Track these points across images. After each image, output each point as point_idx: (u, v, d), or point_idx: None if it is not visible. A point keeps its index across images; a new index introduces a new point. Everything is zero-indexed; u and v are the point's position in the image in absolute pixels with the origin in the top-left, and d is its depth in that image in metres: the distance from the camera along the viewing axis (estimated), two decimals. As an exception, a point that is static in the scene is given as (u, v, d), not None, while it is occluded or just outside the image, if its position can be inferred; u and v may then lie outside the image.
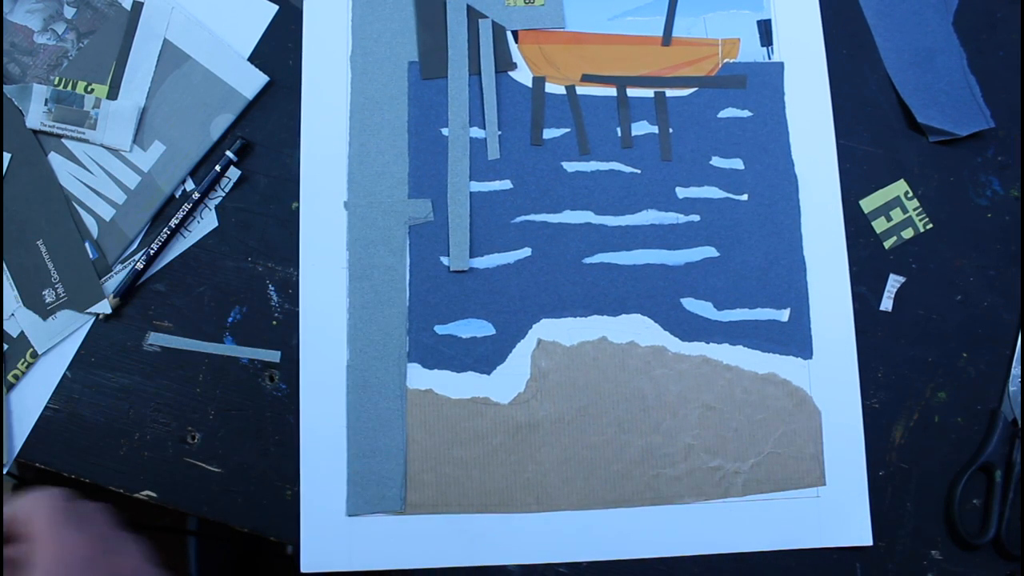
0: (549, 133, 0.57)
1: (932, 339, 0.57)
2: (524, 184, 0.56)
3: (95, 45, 0.56)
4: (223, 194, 0.56)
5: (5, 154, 0.55)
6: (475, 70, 0.57)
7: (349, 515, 0.53)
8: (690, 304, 0.56)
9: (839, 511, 0.54)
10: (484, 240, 0.56)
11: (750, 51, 0.59)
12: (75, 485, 0.56)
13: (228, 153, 0.55)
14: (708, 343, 0.55)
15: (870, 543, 0.54)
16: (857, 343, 0.56)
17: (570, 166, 0.57)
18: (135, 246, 0.55)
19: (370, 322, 0.54)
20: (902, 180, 0.58)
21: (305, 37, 0.57)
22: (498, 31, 0.58)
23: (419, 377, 0.54)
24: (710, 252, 0.56)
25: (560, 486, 0.53)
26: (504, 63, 0.58)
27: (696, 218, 0.57)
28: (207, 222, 0.56)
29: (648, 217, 0.57)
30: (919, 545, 0.55)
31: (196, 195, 0.55)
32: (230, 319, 0.55)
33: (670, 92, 0.58)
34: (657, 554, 0.53)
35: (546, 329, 0.55)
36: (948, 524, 0.55)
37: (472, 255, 0.55)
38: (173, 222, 0.55)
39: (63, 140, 0.56)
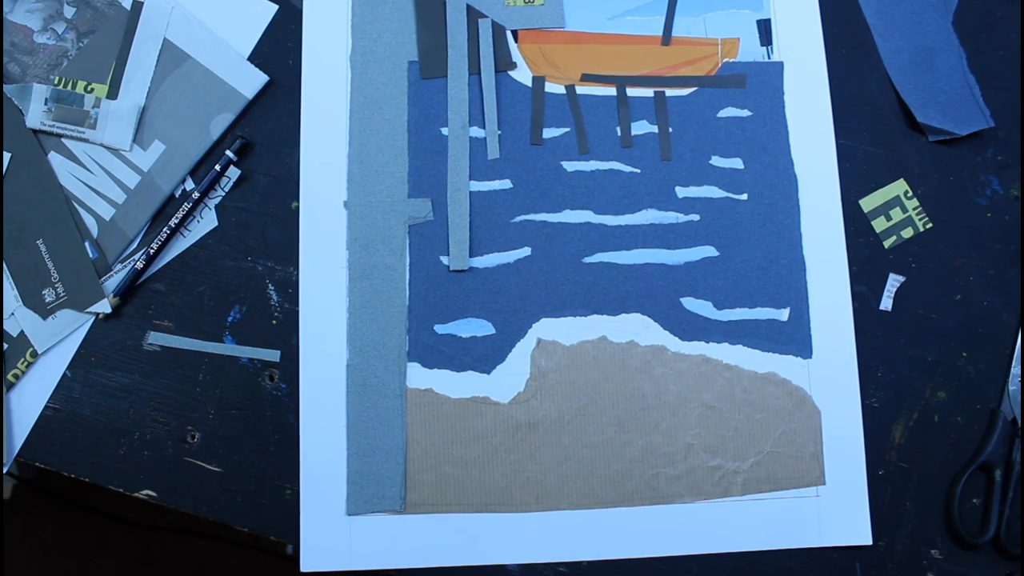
0: (549, 133, 0.57)
1: (932, 339, 0.57)
2: (524, 184, 0.56)
3: (95, 45, 0.56)
4: (223, 194, 0.56)
5: (5, 154, 0.55)
6: (475, 70, 0.57)
7: (349, 515, 0.53)
8: (690, 303, 0.56)
9: (839, 510, 0.54)
10: (484, 240, 0.56)
11: (750, 51, 0.59)
12: (75, 485, 0.56)
13: (228, 153, 0.55)
14: (708, 342, 0.55)
15: (870, 542, 0.54)
16: (857, 343, 0.56)
17: (570, 166, 0.57)
18: (135, 246, 0.55)
19: (370, 322, 0.54)
20: (902, 180, 0.58)
21: (305, 37, 0.57)
22: (498, 31, 0.58)
23: (419, 376, 0.54)
24: (710, 251, 0.56)
25: (560, 485, 0.53)
26: (504, 63, 0.58)
27: (696, 217, 0.57)
28: (207, 222, 0.56)
29: (648, 217, 0.57)
30: (919, 545, 0.55)
31: (196, 195, 0.55)
32: (230, 319, 0.55)
33: (670, 92, 0.58)
34: (657, 553, 0.53)
35: (546, 328, 0.55)
36: (948, 523, 0.55)
37: (472, 255, 0.55)
38: (173, 222, 0.55)
39: (63, 140, 0.56)
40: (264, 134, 0.57)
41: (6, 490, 1.25)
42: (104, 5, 0.57)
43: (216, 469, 0.54)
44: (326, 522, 0.52)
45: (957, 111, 0.59)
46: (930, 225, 0.58)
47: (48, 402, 0.54)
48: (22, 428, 0.54)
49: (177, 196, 0.56)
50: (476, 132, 0.57)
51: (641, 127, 0.58)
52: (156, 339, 0.55)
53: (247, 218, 0.56)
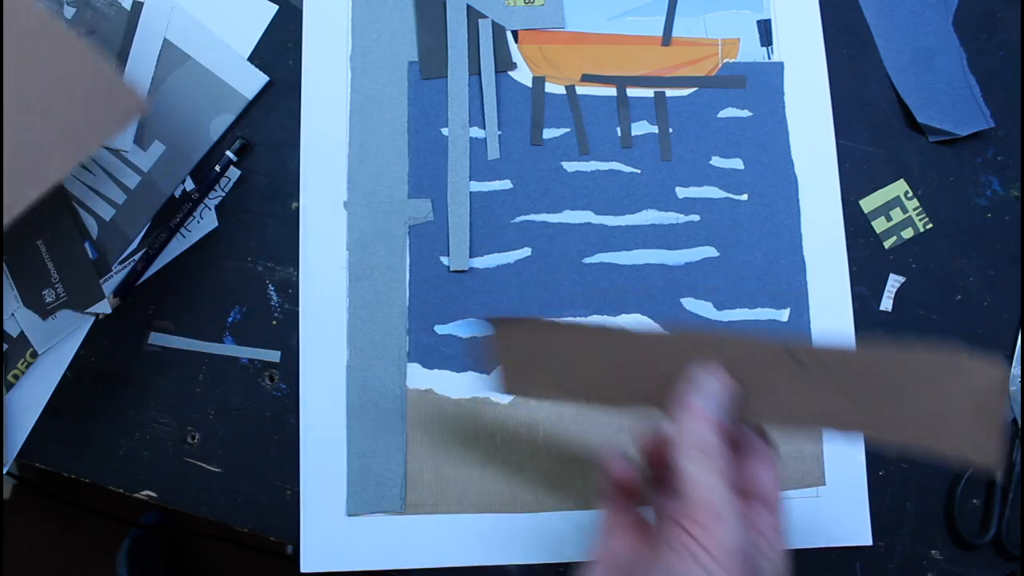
0: (549, 133, 0.57)
1: (932, 339, 0.57)
2: (524, 184, 0.56)
3: (95, 45, 0.56)
4: (223, 194, 0.56)
5: (5, 154, 0.55)
6: (475, 70, 0.57)
7: (349, 515, 0.53)
8: (690, 304, 0.56)
9: (839, 511, 0.54)
10: (484, 240, 0.56)
11: (750, 51, 0.59)
12: (75, 485, 0.56)
13: (228, 153, 0.55)
14: (708, 343, 0.55)
15: (870, 543, 0.54)
16: (857, 343, 0.56)
17: (570, 166, 0.57)
18: (135, 246, 0.55)
19: (370, 322, 0.54)
20: (902, 180, 0.58)
21: (305, 37, 0.57)
22: (498, 31, 0.58)
23: (419, 377, 0.54)
24: (710, 252, 0.56)
25: (560, 486, 0.53)
26: (504, 63, 0.58)
27: (696, 218, 0.57)
28: (207, 222, 0.56)
29: (648, 217, 0.57)
30: (919, 545, 0.55)
31: (196, 195, 0.55)
32: (230, 319, 0.55)
33: (670, 92, 0.58)
34: (657, 554, 0.53)
35: (546, 329, 0.55)
36: (948, 524, 0.55)
37: (472, 255, 0.55)
38: (173, 222, 0.55)
39: (63, 140, 0.56)
40: (264, 134, 0.57)
41: (6, 490, 1.24)
42: (104, 5, 0.57)
43: (216, 469, 0.54)
44: (326, 522, 0.52)
45: (957, 111, 0.59)
46: (930, 225, 0.58)
47: (48, 402, 0.54)
48: (22, 428, 0.54)
49: (177, 196, 0.56)
50: (476, 132, 0.57)
51: (641, 127, 0.58)
52: (156, 339, 0.55)
53: (247, 219, 0.56)
